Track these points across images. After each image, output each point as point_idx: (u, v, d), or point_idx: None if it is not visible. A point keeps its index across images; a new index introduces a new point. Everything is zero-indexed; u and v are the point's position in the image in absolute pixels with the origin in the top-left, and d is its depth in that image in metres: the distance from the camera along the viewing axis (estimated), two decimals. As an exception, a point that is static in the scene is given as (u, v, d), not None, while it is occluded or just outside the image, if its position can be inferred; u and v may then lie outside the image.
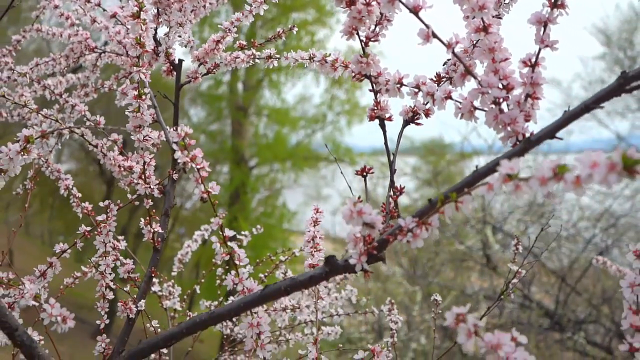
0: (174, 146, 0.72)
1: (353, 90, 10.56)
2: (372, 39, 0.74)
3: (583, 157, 0.42)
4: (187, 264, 1.67)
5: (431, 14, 0.72)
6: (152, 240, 1.08)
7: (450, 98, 0.71)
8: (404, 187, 0.76)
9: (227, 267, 1.57)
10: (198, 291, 1.49)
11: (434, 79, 0.77)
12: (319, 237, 1.03)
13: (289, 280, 0.70)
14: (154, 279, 1.17)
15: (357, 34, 0.74)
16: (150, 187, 1.00)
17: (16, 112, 1.53)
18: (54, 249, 1.07)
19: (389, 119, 0.77)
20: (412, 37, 0.70)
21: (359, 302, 1.51)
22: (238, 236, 1.50)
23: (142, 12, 0.83)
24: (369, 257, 0.67)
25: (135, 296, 1.04)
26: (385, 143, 0.78)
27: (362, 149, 11.83)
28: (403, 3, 0.65)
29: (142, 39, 0.83)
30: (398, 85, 0.75)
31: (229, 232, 0.76)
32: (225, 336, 1.45)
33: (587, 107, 0.59)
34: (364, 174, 0.80)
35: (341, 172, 1.11)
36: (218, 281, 1.37)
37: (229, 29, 1.05)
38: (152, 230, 1.07)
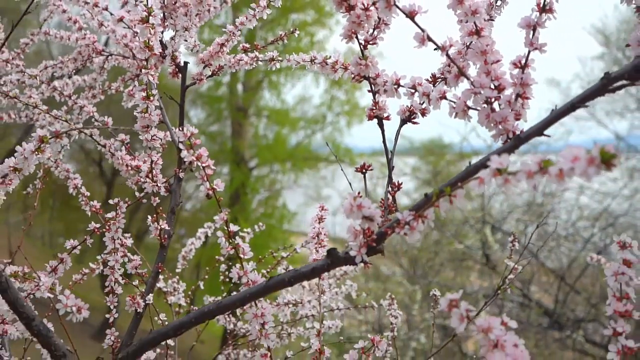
0: (181, 145, 0.76)
1: (353, 90, 10.60)
2: (370, 42, 0.78)
3: (565, 152, 0.46)
4: (186, 267, 1.70)
5: (428, 16, 0.76)
6: (158, 237, 1.12)
7: (445, 98, 0.75)
8: (401, 183, 0.80)
9: (230, 263, 1.61)
10: (202, 287, 1.53)
11: (430, 79, 0.80)
12: (324, 234, 1.07)
13: (293, 272, 0.74)
14: (159, 276, 1.20)
15: (356, 37, 0.78)
16: (157, 185, 1.04)
17: (24, 113, 1.57)
18: (54, 249, 1.10)
19: (387, 118, 0.81)
20: (410, 37, 0.74)
21: (359, 296, 1.54)
22: (240, 233, 1.53)
23: (150, 17, 0.87)
24: (369, 249, 0.71)
25: (142, 291, 1.08)
26: (384, 142, 0.82)
27: (362, 149, 11.87)
28: (400, 8, 0.69)
29: (150, 42, 0.87)
30: (395, 86, 0.79)
31: (233, 228, 0.80)
32: (228, 331, 1.49)
33: (573, 106, 0.62)
34: (364, 171, 0.84)
35: (341, 169, 1.14)
36: (222, 277, 1.40)
37: (233, 33, 1.08)
38: (159, 228, 1.11)
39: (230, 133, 11.13)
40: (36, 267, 1.01)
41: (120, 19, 1.18)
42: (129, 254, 1.15)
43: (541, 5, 0.69)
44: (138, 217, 9.70)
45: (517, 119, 0.68)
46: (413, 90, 0.78)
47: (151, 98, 0.91)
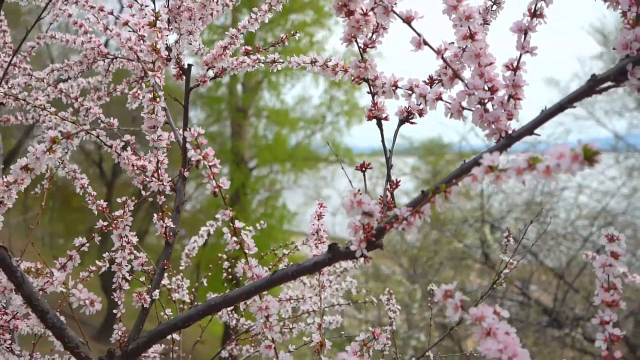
0: (188, 145, 0.79)
1: (352, 91, 10.63)
2: (369, 46, 0.81)
3: (551, 150, 0.49)
4: (188, 266, 1.73)
5: (426, 19, 0.79)
6: (164, 235, 1.15)
7: (441, 99, 0.78)
8: (399, 180, 0.83)
9: (232, 260, 1.64)
10: (205, 284, 1.56)
11: (427, 81, 0.84)
12: (323, 230, 1.11)
13: (296, 266, 0.77)
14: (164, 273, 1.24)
15: (356, 41, 0.81)
16: (163, 184, 1.07)
17: (30, 115, 1.60)
18: (54, 250, 1.13)
19: (386, 118, 0.85)
20: (408, 39, 0.77)
21: (359, 293, 1.58)
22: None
23: (158, 21, 0.90)
24: (368, 244, 0.74)
25: (149, 287, 1.11)
26: (382, 141, 0.85)
27: (362, 149, 11.89)
28: (397, 14, 0.72)
29: (157, 45, 0.90)
30: (393, 88, 0.82)
31: (238, 224, 0.83)
32: (231, 328, 1.52)
33: (562, 106, 0.66)
34: (363, 169, 0.87)
35: (342, 168, 1.18)
36: (225, 274, 1.44)
37: (236, 36, 1.12)
38: (165, 225, 1.14)
39: (230, 133, 11.15)
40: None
41: (126, 23, 1.22)
42: (135, 252, 1.19)
43: (532, 11, 0.72)
44: (138, 218, 9.73)
45: (510, 119, 0.71)
46: (410, 92, 0.81)
47: (158, 100, 0.94)
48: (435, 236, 7.83)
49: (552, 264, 7.41)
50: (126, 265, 1.10)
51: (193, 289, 1.51)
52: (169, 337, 1.29)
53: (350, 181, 0.88)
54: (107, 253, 1.28)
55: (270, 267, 1.54)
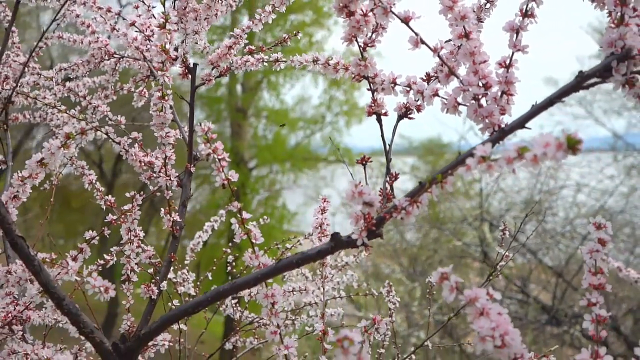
0: (198, 139, 0.83)
1: (351, 90, 10.67)
2: (369, 45, 0.85)
3: (538, 139, 0.53)
4: (192, 260, 1.77)
5: (426, 18, 0.83)
6: (171, 229, 1.19)
7: (437, 95, 0.82)
8: (398, 173, 0.87)
9: (236, 255, 1.68)
10: (210, 278, 1.60)
11: (424, 78, 0.88)
12: (326, 224, 1.15)
13: (300, 255, 0.81)
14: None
15: (356, 40, 0.85)
16: (170, 179, 1.11)
17: (38, 113, 1.64)
18: (54, 251, 1.16)
19: (385, 114, 0.89)
20: (407, 38, 0.81)
21: (360, 286, 1.62)
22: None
23: (167, 23, 0.94)
24: (369, 233, 0.78)
25: (157, 279, 1.15)
26: (382, 135, 0.89)
27: (361, 149, 11.93)
28: (395, 14, 0.76)
29: (166, 46, 0.94)
30: (392, 85, 0.86)
31: (246, 215, 0.87)
32: (235, 320, 1.56)
33: (551, 101, 0.70)
34: (363, 162, 0.91)
35: (345, 164, 1.22)
36: (229, 268, 1.48)
37: (240, 36, 1.16)
38: (172, 219, 1.18)
39: (229, 134, 11.19)
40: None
41: (132, 24, 1.25)
42: (142, 245, 1.23)
43: (523, 11, 0.76)
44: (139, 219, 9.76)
45: (503, 114, 0.75)
46: (408, 88, 0.85)
47: (166, 98, 0.98)
48: (435, 235, 7.88)
49: (551, 263, 7.45)
50: (134, 258, 1.14)
51: (198, 282, 1.55)
52: (175, 328, 1.33)
53: (352, 174, 0.92)
54: (114, 247, 1.32)
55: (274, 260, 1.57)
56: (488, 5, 0.92)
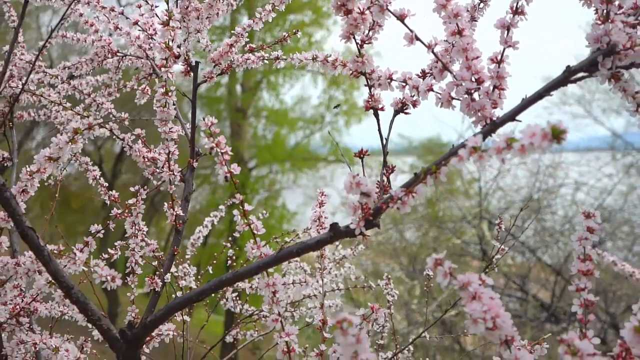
0: (202, 133, 0.86)
1: (351, 90, 10.71)
2: (366, 42, 0.88)
3: (525, 130, 0.56)
4: (196, 252, 1.80)
5: (424, 17, 0.86)
6: (174, 223, 1.22)
7: (432, 90, 0.85)
8: (394, 165, 0.90)
9: (237, 248, 1.71)
10: (211, 272, 1.63)
11: (420, 74, 0.91)
12: (324, 217, 1.18)
13: (300, 244, 0.84)
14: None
15: (354, 37, 0.88)
16: (174, 174, 1.14)
17: (42, 111, 1.67)
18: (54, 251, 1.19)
19: (382, 109, 0.92)
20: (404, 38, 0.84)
21: (358, 279, 1.65)
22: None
23: (171, 21, 0.97)
24: (366, 223, 0.81)
25: (161, 271, 1.18)
26: (379, 130, 0.92)
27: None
28: (391, 12, 0.79)
29: (170, 43, 0.97)
30: (388, 80, 0.89)
31: (248, 207, 0.90)
32: (236, 314, 1.59)
33: (540, 95, 0.73)
34: (361, 155, 0.94)
35: (346, 163, 1.25)
36: (229, 261, 1.51)
37: (242, 35, 1.19)
38: (175, 214, 1.21)
39: (229, 134, 11.22)
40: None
41: (135, 23, 1.29)
42: (146, 239, 1.26)
43: (514, 9, 0.79)
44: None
45: (494, 107, 0.78)
46: (404, 84, 0.88)
47: (170, 94, 1.01)
48: (435, 234, 7.91)
49: (550, 261, 7.49)
50: (139, 251, 1.17)
51: (199, 277, 1.58)
52: (179, 319, 1.36)
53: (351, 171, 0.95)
54: (118, 242, 1.35)
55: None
56: (482, 5, 0.95)
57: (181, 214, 1.22)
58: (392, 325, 1.45)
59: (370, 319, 0.97)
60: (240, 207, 0.88)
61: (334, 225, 0.83)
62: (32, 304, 1.13)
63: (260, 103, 11.55)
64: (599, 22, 0.71)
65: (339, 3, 0.84)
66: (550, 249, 7.67)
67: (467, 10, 0.92)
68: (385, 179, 0.89)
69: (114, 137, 1.30)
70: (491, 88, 0.79)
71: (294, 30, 1.29)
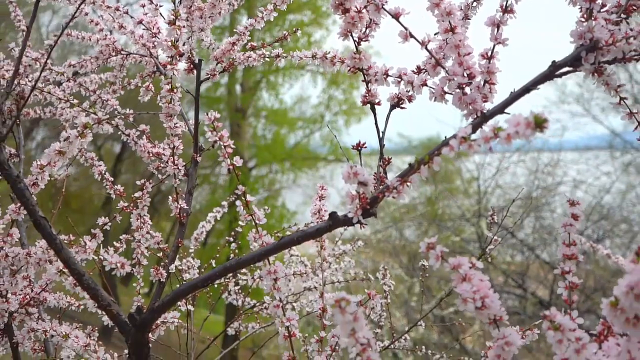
0: (206, 128, 0.90)
1: (350, 90, 10.74)
2: (363, 39, 0.92)
3: (510, 119, 0.60)
4: (199, 247, 1.83)
5: (420, 15, 0.90)
6: (178, 215, 1.26)
7: (426, 85, 0.89)
8: (390, 157, 0.94)
9: (239, 243, 1.75)
10: (214, 265, 1.67)
11: (415, 70, 0.95)
12: (324, 210, 1.22)
13: (300, 232, 0.88)
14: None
15: (351, 35, 0.92)
16: (178, 168, 1.18)
17: (48, 109, 1.71)
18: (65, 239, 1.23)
19: (378, 103, 0.96)
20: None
21: (357, 273, 1.69)
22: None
23: (177, 20, 1.01)
24: (364, 212, 0.85)
25: (166, 262, 1.22)
26: (376, 123, 0.96)
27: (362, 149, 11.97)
28: (386, 10, 0.83)
29: (176, 42, 1.01)
30: (385, 76, 0.93)
31: (250, 198, 0.94)
32: (238, 307, 1.63)
33: (527, 89, 0.77)
34: (359, 148, 0.98)
35: (344, 160, 1.29)
36: (232, 255, 1.55)
37: (244, 33, 1.23)
38: (179, 207, 1.25)
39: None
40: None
41: (140, 22, 1.32)
42: (151, 232, 1.30)
43: (504, 7, 0.83)
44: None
45: (485, 101, 0.82)
46: (399, 79, 0.92)
47: (175, 90, 1.05)
48: (434, 232, 7.96)
49: (548, 258, 7.54)
50: (144, 243, 1.21)
51: (202, 270, 1.62)
52: (183, 309, 1.40)
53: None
54: (123, 235, 1.39)
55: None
56: (475, 3, 0.99)
57: (185, 206, 1.26)
58: (389, 315, 1.49)
59: (367, 305, 1.01)
60: (243, 198, 0.92)
61: (332, 214, 0.87)
62: (42, 294, 1.17)
63: (260, 103, 11.60)
64: (582, 19, 0.75)
65: (337, 2, 0.88)
66: (549, 246, 7.72)
67: (461, 9, 0.97)
68: (381, 170, 0.93)
69: (120, 132, 1.35)
70: (482, 83, 0.83)
71: (293, 29, 1.33)
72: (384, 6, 0.84)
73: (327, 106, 11.33)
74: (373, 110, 0.96)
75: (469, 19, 0.97)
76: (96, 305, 0.91)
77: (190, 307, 1.38)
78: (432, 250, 0.71)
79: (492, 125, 0.63)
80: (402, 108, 0.96)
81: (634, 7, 0.76)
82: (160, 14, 1.29)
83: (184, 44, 1.21)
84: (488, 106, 0.83)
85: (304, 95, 11.57)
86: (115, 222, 1.24)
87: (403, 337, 1.44)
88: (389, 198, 0.84)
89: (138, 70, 1.54)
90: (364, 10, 0.87)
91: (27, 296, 1.16)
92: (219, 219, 1.79)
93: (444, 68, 0.84)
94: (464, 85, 0.83)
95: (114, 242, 1.37)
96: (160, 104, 1.10)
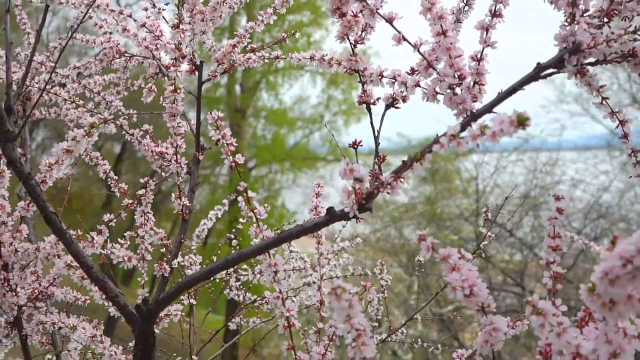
0: (209, 126, 0.94)
1: (350, 90, 10.78)
2: (359, 42, 0.96)
3: (495, 118, 0.65)
4: (201, 244, 1.87)
5: (416, 19, 0.94)
6: (181, 212, 1.31)
7: (419, 86, 0.93)
8: (385, 155, 0.98)
9: (241, 238, 1.79)
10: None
11: (409, 72, 0.99)
12: (321, 207, 1.26)
13: (299, 227, 0.92)
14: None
15: (348, 38, 0.96)
16: (181, 166, 1.23)
17: (52, 109, 1.75)
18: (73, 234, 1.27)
19: (374, 103, 1.00)
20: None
21: (355, 269, 1.73)
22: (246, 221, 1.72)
23: (181, 24, 1.05)
24: (360, 207, 0.89)
25: (169, 257, 1.26)
26: (371, 122, 1.00)
27: (360, 149, 12.02)
28: (381, 15, 0.88)
29: (180, 44, 1.05)
30: (379, 77, 0.97)
31: (251, 194, 0.98)
32: (239, 302, 1.67)
33: (514, 89, 0.81)
34: (355, 146, 1.02)
35: (345, 158, 1.33)
36: (233, 252, 1.58)
37: (244, 36, 1.27)
38: (182, 204, 1.29)
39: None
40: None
41: (143, 25, 1.37)
42: (154, 228, 1.34)
43: (492, 11, 0.87)
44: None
45: (474, 101, 0.86)
46: (394, 80, 0.96)
47: (178, 91, 1.10)
48: (433, 231, 8.01)
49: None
50: (148, 239, 1.25)
51: (204, 265, 1.66)
52: (186, 303, 1.44)
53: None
54: (127, 232, 1.43)
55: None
56: (466, 7, 1.03)
57: (188, 203, 1.30)
58: (387, 310, 1.53)
59: (363, 296, 1.05)
60: (245, 194, 0.96)
61: (330, 209, 0.91)
62: (49, 288, 1.21)
63: (260, 103, 11.64)
64: (565, 23, 0.79)
65: (334, 7, 0.92)
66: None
67: (453, 13, 1.01)
68: (377, 167, 0.97)
69: (123, 132, 1.39)
70: (472, 83, 0.87)
71: (292, 31, 1.37)
72: (378, 11, 0.88)
73: (326, 106, 11.37)
74: (369, 110, 1.00)
75: (460, 23, 1.01)
76: (104, 297, 0.95)
77: (192, 300, 1.42)
78: (423, 242, 0.75)
79: (479, 124, 0.67)
80: (396, 108, 1.00)
81: (615, 12, 0.81)
82: (163, 17, 1.33)
83: (186, 47, 1.25)
84: (477, 106, 0.87)
85: (304, 95, 11.62)
86: (116, 222, 1.28)
87: (400, 331, 1.48)
88: (388, 198, 0.88)
89: (141, 72, 1.58)
90: (359, 15, 0.91)
91: (36, 290, 1.21)
92: (219, 217, 1.83)
93: (435, 70, 0.89)
94: (454, 86, 0.87)
95: (118, 239, 1.41)
96: (163, 104, 1.14)
